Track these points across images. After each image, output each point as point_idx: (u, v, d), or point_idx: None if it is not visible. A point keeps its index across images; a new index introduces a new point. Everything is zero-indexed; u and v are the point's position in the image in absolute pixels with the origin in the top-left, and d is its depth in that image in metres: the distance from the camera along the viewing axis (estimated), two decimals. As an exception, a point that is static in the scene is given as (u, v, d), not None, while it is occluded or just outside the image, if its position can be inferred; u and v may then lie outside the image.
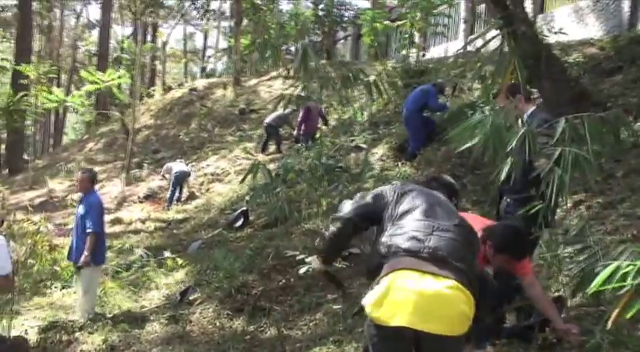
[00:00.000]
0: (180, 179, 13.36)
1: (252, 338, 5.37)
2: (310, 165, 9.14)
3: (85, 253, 6.47)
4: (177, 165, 13.71)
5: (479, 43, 14.49)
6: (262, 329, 5.55)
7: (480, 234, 3.25)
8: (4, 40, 26.87)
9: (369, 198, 3.09)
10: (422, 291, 2.60)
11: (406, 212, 2.91)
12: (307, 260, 5.37)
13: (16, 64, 22.31)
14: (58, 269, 8.17)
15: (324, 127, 13.33)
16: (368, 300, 2.72)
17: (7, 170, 25.21)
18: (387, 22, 15.41)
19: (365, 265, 3.26)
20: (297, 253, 5.83)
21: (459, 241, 2.81)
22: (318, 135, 12.67)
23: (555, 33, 9.92)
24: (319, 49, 24.02)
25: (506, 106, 4.32)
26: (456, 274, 2.67)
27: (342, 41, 26.01)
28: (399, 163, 9.41)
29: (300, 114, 12.83)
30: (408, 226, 2.83)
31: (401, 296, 2.61)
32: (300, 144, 12.19)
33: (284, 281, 6.38)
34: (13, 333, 6.10)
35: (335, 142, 11.41)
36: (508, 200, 4.33)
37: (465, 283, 2.66)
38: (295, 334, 5.24)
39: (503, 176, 3.59)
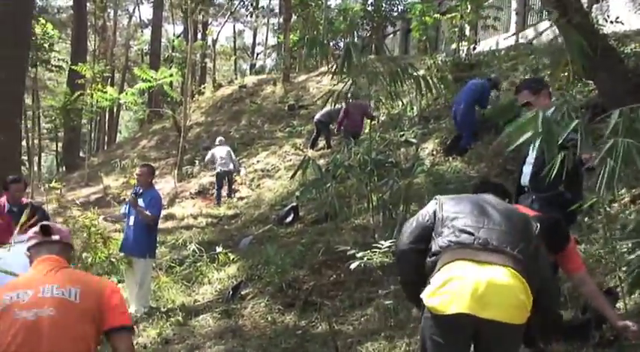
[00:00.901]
0: (221, 177, 13.45)
1: (304, 333, 5.39)
2: (360, 161, 9.10)
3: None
4: (219, 156, 13.50)
5: (531, 34, 14.32)
6: (313, 324, 5.57)
7: None
8: (61, 40, 27.54)
9: (414, 222, 3.05)
10: (480, 279, 2.58)
11: (453, 214, 2.89)
12: (358, 255, 5.37)
13: (72, 64, 22.87)
14: (114, 261, 8.33)
15: (372, 123, 13.23)
16: (426, 291, 2.71)
17: (64, 167, 25.92)
18: (436, 16, 15.23)
19: (402, 283, 3.27)
20: (348, 248, 5.82)
21: (511, 232, 2.77)
22: (367, 130, 12.60)
23: (611, 22, 9.66)
24: (367, 45, 23.92)
25: (533, 103, 4.19)
26: (513, 262, 2.64)
27: (391, 36, 25.82)
28: (450, 158, 9.32)
29: (340, 114, 12.82)
30: (458, 224, 2.82)
31: (458, 284, 2.60)
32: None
33: (335, 276, 6.38)
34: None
35: (385, 137, 11.35)
36: (533, 197, 4.16)
37: (521, 272, 2.63)
38: (346, 329, 5.24)
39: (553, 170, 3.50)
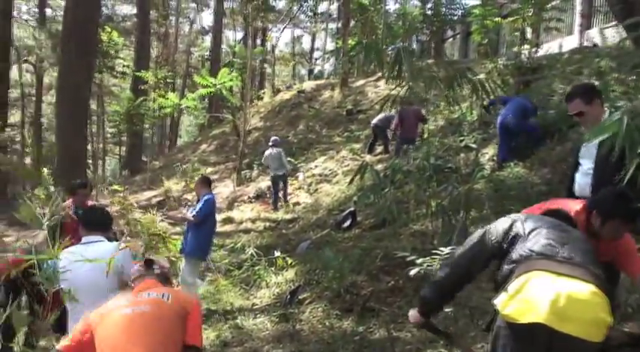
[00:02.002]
0: (276, 180, 13.50)
1: (362, 338, 5.36)
2: (418, 166, 9.02)
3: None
4: (272, 160, 13.54)
5: (596, 36, 13.93)
6: (371, 330, 5.53)
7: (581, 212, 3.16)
8: (125, 47, 28.31)
9: (479, 237, 3.00)
10: (560, 291, 2.49)
11: (534, 229, 2.84)
12: (418, 261, 5.30)
13: (135, 70, 23.47)
14: (173, 260, 8.47)
15: (426, 127, 13.08)
16: (500, 299, 2.64)
17: (127, 170, 26.59)
18: (497, 19, 14.99)
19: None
20: (407, 254, 5.77)
21: (589, 253, 2.73)
22: (425, 136, 12.50)
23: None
24: (426, 49, 23.72)
25: (585, 113, 4.05)
26: (595, 279, 2.56)
27: (451, 39, 25.54)
28: (512, 163, 9.14)
29: (395, 119, 12.75)
30: (541, 235, 2.77)
31: (537, 294, 2.51)
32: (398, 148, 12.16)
33: (393, 282, 6.33)
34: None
35: (444, 142, 11.23)
36: None
37: (603, 290, 2.54)
38: (405, 336, 5.18)
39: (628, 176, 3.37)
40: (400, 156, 11.16)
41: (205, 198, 7.40)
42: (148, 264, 3.52)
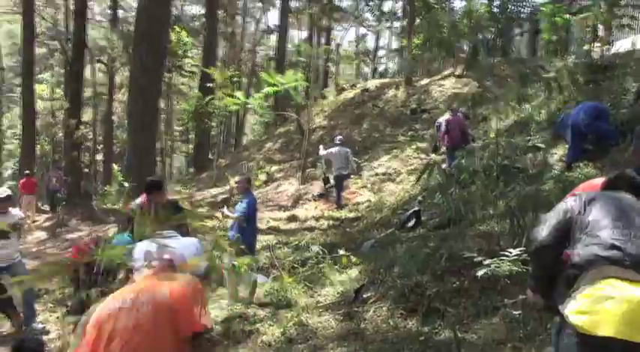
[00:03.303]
0: (339, 180, 13.56)
1: (427, 339, 5.33)
2: (485, 166, 8.91)
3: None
4: (336, 159, 13.59)
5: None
6: (437, 330, 5.50)
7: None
8: (193, 46, 28.90)
9: (555, 217, 2.99)
10: (631, 299, 2.45)
11: (597, 221, 2.79)
12: (485, 262, 5.25)
13: (204, 69, 23.93)
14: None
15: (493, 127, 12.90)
16: (571, 308, 2.61)
17: (193, 168, 27.14)
18: (567, 16, 14.65)
19: (537, 276, 3.16)
20: (474, 255, 5.71)
21: None
22: (492, 135, 12.33)
23: None
24: (493, 47, 23.35)
25: None
26: None
27: (518, 37, 25.04)
28: (581, 164, 8.93)
29: (442, 126, 12.61)
30: (603, 235, 2.71)
31: (609, 305, 2.48)
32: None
33: (458, 283, 6.27)
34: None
35: (511, 142, 11.04)
36: None
37: None
38: (471, 337, 5.14)
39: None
40: (452, 165, 11.16)
41: (248, 199, 8.45)
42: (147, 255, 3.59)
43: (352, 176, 14.21)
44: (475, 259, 5.66)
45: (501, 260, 5.16)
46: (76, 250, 6.98)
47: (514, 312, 5.16)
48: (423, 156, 15.01)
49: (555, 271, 2.88)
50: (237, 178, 9.15)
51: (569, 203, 3.00)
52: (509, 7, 22.38)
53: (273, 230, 11.70)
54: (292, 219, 12.83)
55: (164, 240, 4.18)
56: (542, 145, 10.26)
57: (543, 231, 3.00)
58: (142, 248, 4.11)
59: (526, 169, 9.12)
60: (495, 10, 22.76)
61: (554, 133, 10.01)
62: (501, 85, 6.89)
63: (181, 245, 4.18)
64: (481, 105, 13.95)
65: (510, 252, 5.15)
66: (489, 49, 21.98)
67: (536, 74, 6.28)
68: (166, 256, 3.54)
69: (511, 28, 23.87)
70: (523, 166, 9.32)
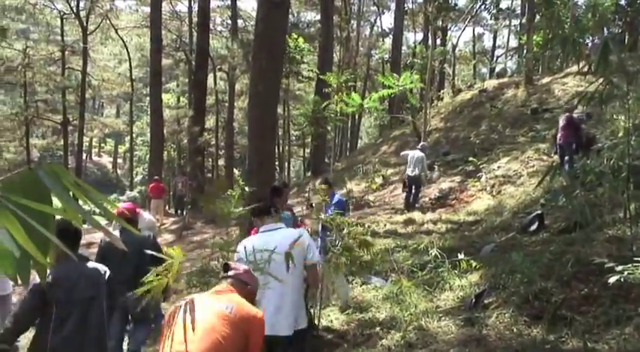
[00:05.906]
0: (409, 182, 13.70)
1: (553, 348, 5.12)
2: (613, 167, 8.44)
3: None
4: (409, 160, 14.02)
5: None
6: (563, 339, 5.26)
7: None
8: (309, 52, 29.39)
9: None
10: None
11: None
12: (618, 269, 4.95)
13: (320, 74, 24.28)
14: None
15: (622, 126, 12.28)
16: None
17: (310, 172, 27.58)
18: None
19: None
20: (605, 261, 5.41)
21: None
22: (621, 134, 11.71)
23: None
24: (621, 42, 22.15)
25: None
26: None
27: (648, 30, 23.65)
28: None
29: (560, 128, 12.30)
30: None
31: None
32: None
33: (587, 290, 5.98)
34: (322, 323, 6.64)
35: (642, 141, 10.41)
36: None
37: None
38: (601, 348, 4.88)
39: None
40: (566, 167, 10.84)
41: (337, 200, 8.44)
42: (225, 267, 3.66)
43: (425, 178, 14.64)
44: (606, 265, 5.36)
45: (635, 266, 4.85)
46: None
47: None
48: (544, 157, 14.49)
49: None
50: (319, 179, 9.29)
51: None
52: (638, -1, 21.24)
53: (391, 233, 11.63)
54: (409, 222, 12.72)
55: (269, 233, 4.71)
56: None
57: None
58: (245, 244, 4.65)
59: (660, 170, 8.57)
60: (622, 2, 21.65)
61: None
62: (630, 81, 6.47)
63: (282, 236, 4.63)
64: (608, 103, 13.26)
65: (645, 258, 4.84)
66: (617, 44, 20.88)
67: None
68: (244, 267, 3.70)
69: (639, 22, 22.62)
70: (657, 167, 8.76)
